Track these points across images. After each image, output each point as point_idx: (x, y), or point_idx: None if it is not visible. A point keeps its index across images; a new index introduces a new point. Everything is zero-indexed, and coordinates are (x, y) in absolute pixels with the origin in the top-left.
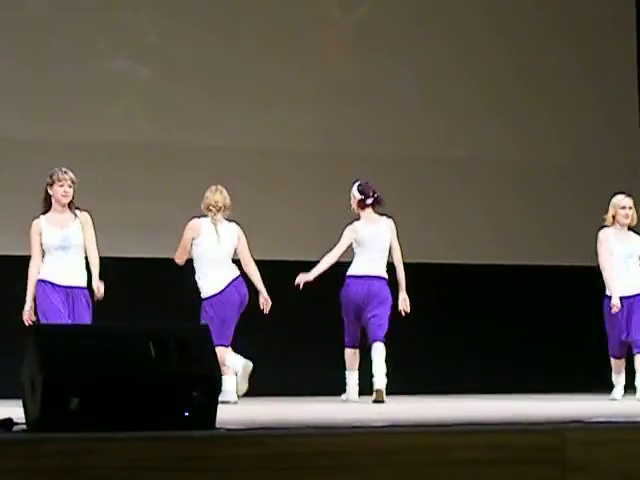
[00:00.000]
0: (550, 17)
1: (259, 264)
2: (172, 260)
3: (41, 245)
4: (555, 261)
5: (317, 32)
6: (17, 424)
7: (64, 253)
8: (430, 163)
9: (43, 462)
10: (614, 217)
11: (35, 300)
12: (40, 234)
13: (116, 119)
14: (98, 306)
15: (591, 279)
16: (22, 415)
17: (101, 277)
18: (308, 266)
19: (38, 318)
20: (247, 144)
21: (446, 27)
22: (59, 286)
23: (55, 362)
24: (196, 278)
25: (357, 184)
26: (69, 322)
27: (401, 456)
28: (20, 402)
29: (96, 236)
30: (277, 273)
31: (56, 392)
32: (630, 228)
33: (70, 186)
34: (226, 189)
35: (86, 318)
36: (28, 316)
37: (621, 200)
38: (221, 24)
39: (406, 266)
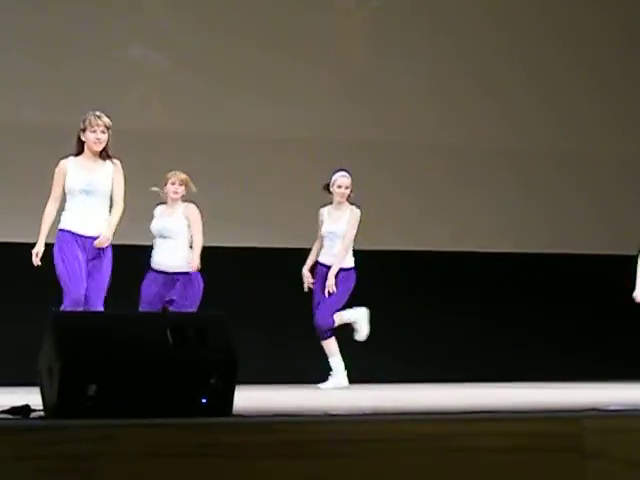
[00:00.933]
0: (553, 5)
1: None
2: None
3: (63, 188)
4: (559, 249)
5: (330, 23)
6: (34, 411)
7: (87, 198)
8: (432, 151)
9: (61, 449)
10: None
11: (54, 246)
12: (64, 175)
13: (131, 107)
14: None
15: (599, 267)
16: (39, 402)
17: None
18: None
19: (58, 263)
20: (257, 133)
21: (451, 18)
22: (80, 236)
23: (73, 349)
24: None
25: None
26: (85, 274)
27: (418, 443)
28: (37, 389)
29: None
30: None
31: (74, 379)
32: None
33: (104, 132)
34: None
35: (104, 271)
36: (35, 259)
37: None
38: (235, 13)
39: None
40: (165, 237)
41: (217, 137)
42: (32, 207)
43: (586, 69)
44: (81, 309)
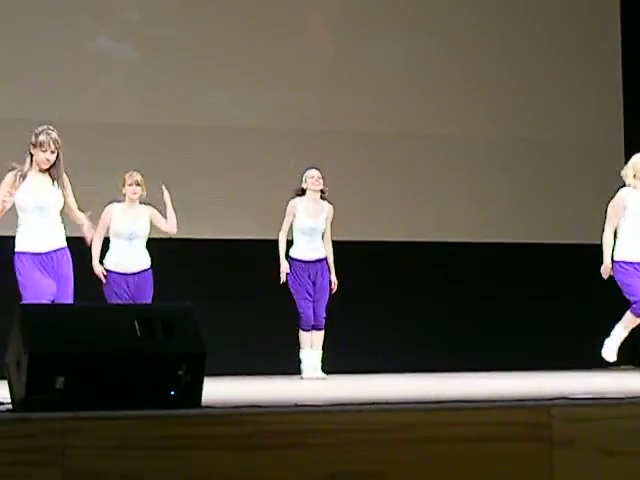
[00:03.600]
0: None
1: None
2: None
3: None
4: (540, 239)
5: (305, 12)
6: (2, 404)
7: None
8: (416, 141)
9: (28, 442)
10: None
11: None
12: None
13: (97, 98)
14: None
15: (578, 255)
16: (8, 395)
17: None
18: None
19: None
20: (232, 123)
21: (432, 8)
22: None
23: (40, 341)
24: None
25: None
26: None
27: (392, 433)
28: (5, 382)
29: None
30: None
31: (41, 371)
32: None
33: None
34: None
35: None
36: None
37: None
38: (201, 3)
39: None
40: (133, 239)
41: (186, 128)
42: None
43: (565, 61)
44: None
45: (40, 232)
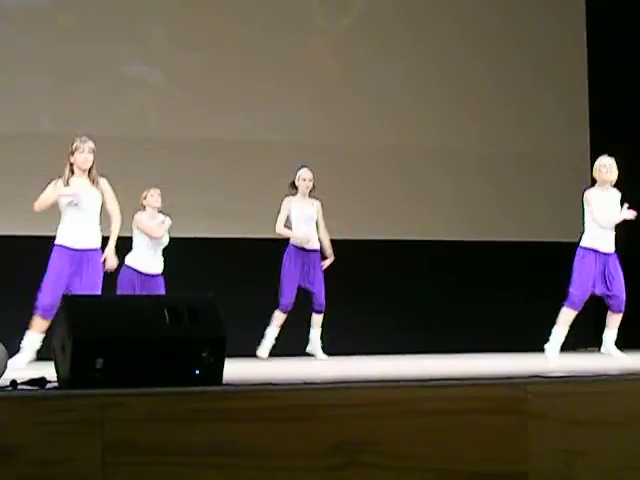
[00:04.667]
0: (505, 15)
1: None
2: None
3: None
4: (516, 237)
5: (306, 41)
6: (50, 382)
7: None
8: (402, 152)
9: (72, 415)
10: None
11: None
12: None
13: (130, 116)
14: None
15: (546, 250)
16: (54, 374)
17: None
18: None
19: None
20: (243, 137)
21: (416, 34)
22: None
23: (82, 327)
24: None
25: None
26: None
27: (385, 408)
28: (52, 363)
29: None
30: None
31: (83, 353)
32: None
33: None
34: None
35: (96, 281)
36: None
37: None
38: (221, 35)
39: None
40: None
41: (207, 142)
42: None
43: (534, 74)
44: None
45: (76, 229)
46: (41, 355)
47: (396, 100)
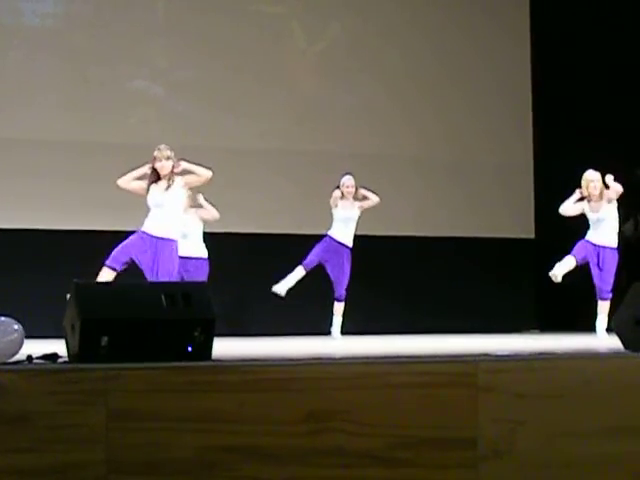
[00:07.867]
0: (464, 31)
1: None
2: None
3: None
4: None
5: (288, 61)
6: (61, 357)
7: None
8: (377, 160)
9: (81, 386)
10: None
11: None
12: None
13: (134, 126)
14: None
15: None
16: (65, 350)
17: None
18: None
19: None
20: (227, 144)
21: (383, 56)
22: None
23: (90, 309)
24: None
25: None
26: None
27: (354, 381)
28: (63, 341)
29: None
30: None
31: (90, 332)
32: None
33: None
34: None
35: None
36: None
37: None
38: (213, 54)
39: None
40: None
41: (203, 149)
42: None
43: (476, 95)
44: None
45: (154, 221)
46: (54, 334)
47: (372, 109)
